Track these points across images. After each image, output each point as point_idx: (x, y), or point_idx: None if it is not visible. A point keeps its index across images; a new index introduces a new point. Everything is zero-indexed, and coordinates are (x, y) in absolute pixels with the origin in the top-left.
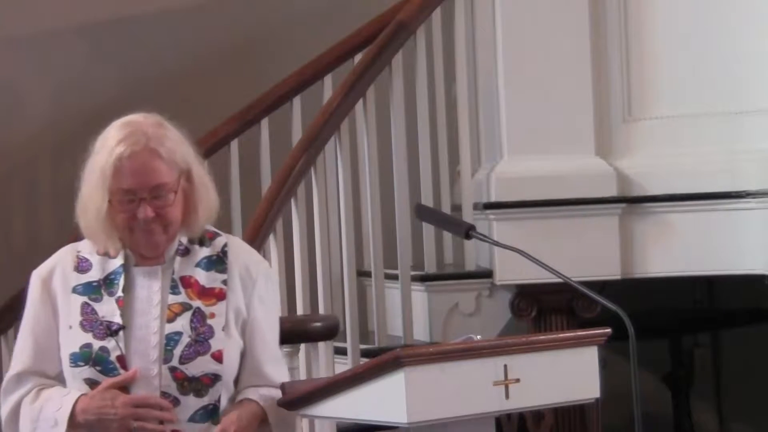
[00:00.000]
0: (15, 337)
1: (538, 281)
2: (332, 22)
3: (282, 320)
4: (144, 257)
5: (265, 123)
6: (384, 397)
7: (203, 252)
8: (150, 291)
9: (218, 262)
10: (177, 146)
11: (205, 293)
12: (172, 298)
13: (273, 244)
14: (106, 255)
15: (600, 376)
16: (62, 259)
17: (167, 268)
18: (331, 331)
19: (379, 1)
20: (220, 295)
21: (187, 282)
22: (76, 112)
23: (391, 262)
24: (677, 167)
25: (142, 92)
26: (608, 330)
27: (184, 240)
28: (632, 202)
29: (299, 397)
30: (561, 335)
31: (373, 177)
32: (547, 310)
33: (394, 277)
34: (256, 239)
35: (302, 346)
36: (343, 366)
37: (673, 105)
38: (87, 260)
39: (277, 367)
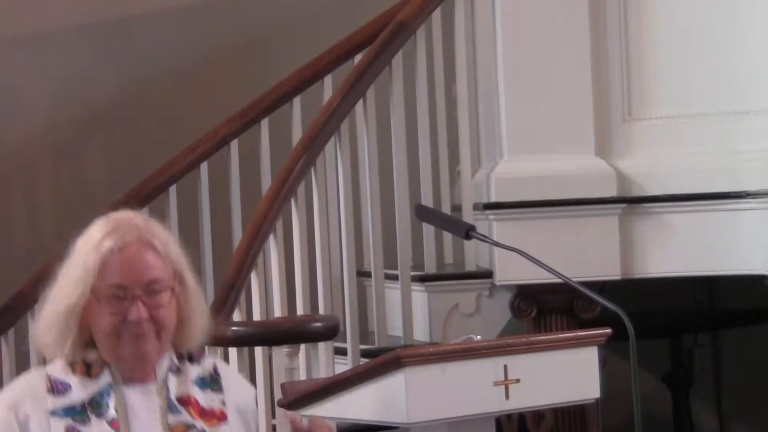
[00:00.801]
0: (15, 337)
1: (538, 281)
2: (332, 22)
3: (282, 320)
4: (132, 376)
5: (265, 123)
6: (384, 397)
7: (195, 370)
8: (149, 411)
9: (213, 382)
10: (169, 240)
11: (206, 414)
12: (172, 418)
13: (273, 244)
14: (85, 374)
15: (600, 376)
16: (30, 382)
17: (161, 387)
18: (331, 331)
19: (379, 1)
20: (221, 417)
21: (186, 401)
22: (76, 112)
23: (391, 262)
24: (677, 167)
25: (142, 92)
26: (608, 330)
27: (174, 358)
28: (632, 202)
29: (299, 397)
30: (561, 335)
31: (373, 177)
32: (547, 310)
33: (394, 277)
34: (256, 239)
35: (302, 346)
36: (343, 366)
37: (673, 105)
38: (63, 381)
39: None
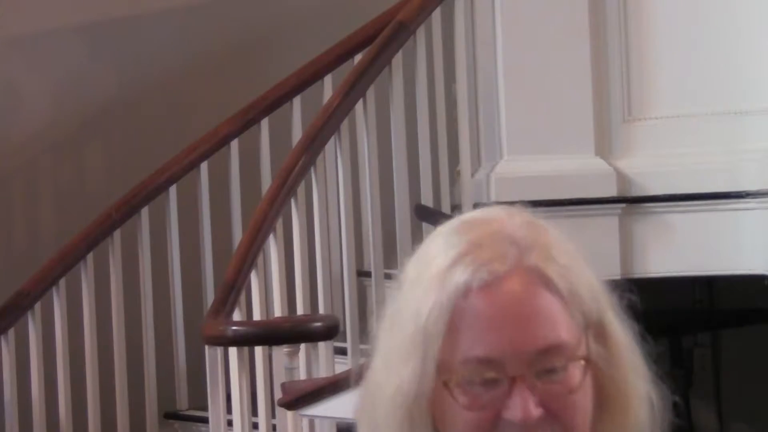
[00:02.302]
0: (15, 337)
1: None
2: (332, 22)
3: (282, 320)
4: None
5: (265, 123)
6: None
7: None
8: None
9: None
10: (576, 263)
11: None
12: None
13: (273, 244)
14: None
15: None
16: None
17: None
18: (331, 331)
19: (379, 1)
20: None
21: None
22: (76, 112)
23: (391, 262)
24: (677, 167)
25: (142, 92)
26: None
27: None
28: (632, 202)
29: (299, 397)
30: None
31: (373, 177)
32: None
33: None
34: (256, 239)
35: (302, 346)
36: (343, 366)
37: (673, 105)
38: None
39: None
